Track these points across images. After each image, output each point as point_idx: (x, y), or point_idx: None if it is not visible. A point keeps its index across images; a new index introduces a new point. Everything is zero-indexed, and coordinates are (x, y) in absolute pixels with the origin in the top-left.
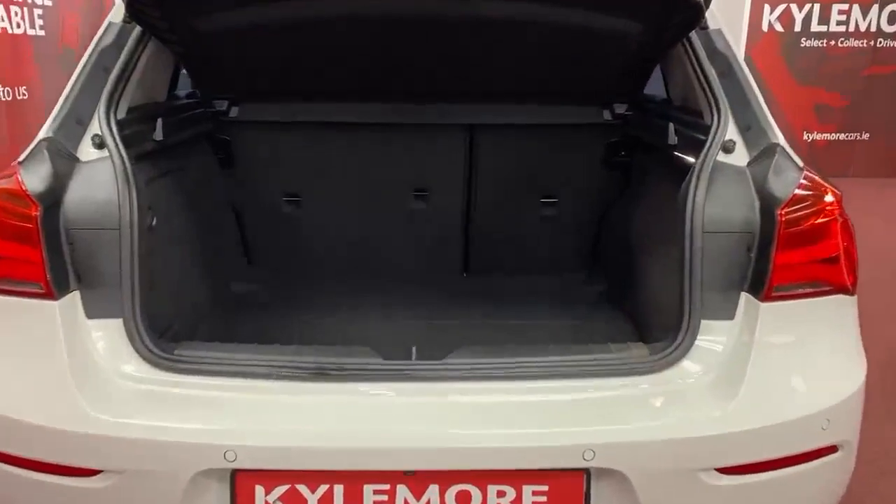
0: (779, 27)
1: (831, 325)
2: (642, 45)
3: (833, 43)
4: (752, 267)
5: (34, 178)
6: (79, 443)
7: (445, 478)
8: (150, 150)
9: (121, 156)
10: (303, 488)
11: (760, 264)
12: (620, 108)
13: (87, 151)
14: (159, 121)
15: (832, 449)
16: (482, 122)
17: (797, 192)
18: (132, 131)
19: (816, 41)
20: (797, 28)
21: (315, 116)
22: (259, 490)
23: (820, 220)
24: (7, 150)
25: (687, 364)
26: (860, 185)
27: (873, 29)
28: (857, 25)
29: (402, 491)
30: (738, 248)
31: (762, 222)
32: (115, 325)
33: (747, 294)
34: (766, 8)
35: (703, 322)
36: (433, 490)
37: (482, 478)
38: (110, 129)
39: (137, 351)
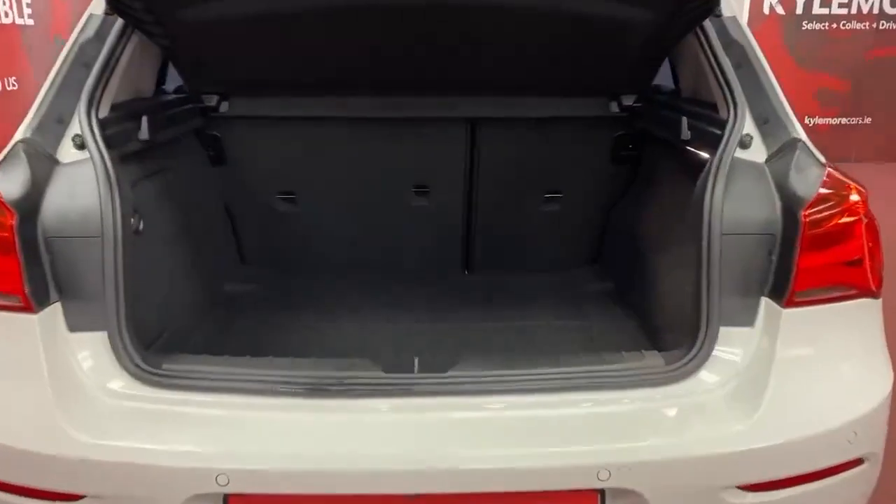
0: (780, 10)
1: (856, 330)
2: (654, 33)
3: (835, 26)
4: (772, 270)
5: (10, 184)
6: (59, 466)
7: (451, 501)
8: (136, 150)
9: (102, 157)
10: None
11: (782, 268)
12: (628, 100)
13: (67, 153)
14: (144, 119)
15: (858, 462)
16: (484, 116)
17: (821, 191)
18: (116, 130)
19: (818, 24)
20: (799, 11)
21: (309, 111)
22: None
23: (845, 221)
24: None
25: (705, 374)
26: (862, 169)
27: (875, 11)
28: (859, 8)
29: None
30: (759, 250)
31: (784, 223)
32: (99, 339)
33: (768, 299)
34: None
35: (722, 329)
36: None
37: (490, 501)
38: (91, 129)
39: (123, 366)
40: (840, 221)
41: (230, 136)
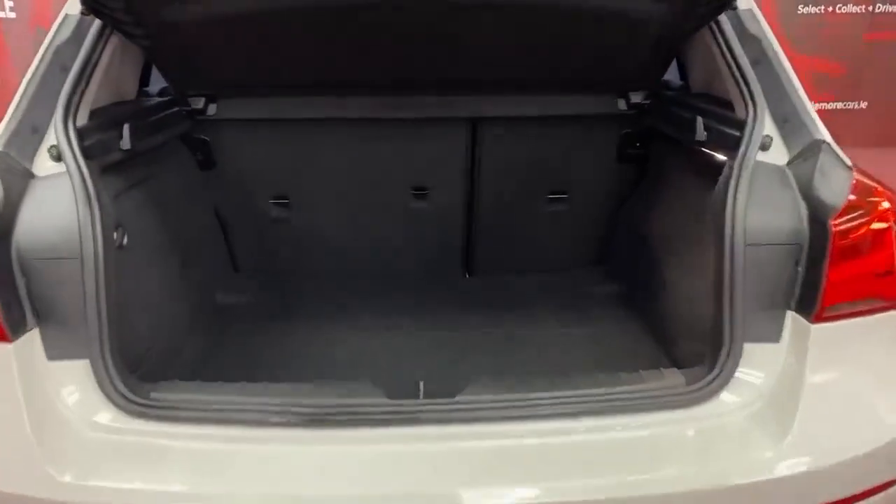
0: None
1: (886, 344)
2: (667, 26)
3: (831, 9)
4: (799, 283)
5: None
6: None
7: None
8: (118, 160)
9: (80, 171)
10: None
11: (810, 280)
12: (637, 97)
13: (43, 165)
14: (126, 127)
15: (893, 482)
16: (485, 115)
17: (851, 198)
18: (95, 140)
19: (814, 7)
20: None
21: (302, 112)
22: None
23: (876, 230)
24: None
25: (729, 395)
26: (858, 154)
27: None
28: None
29: None
30: (784, 261)
31: (811, 233)
32: (80, 368)
33: (795, 313)
34: None
35: (746, 346)
36: None
37: None
38: (68, 139)
39: (108, 396)
40: (871, 231)
41: (219, 139)
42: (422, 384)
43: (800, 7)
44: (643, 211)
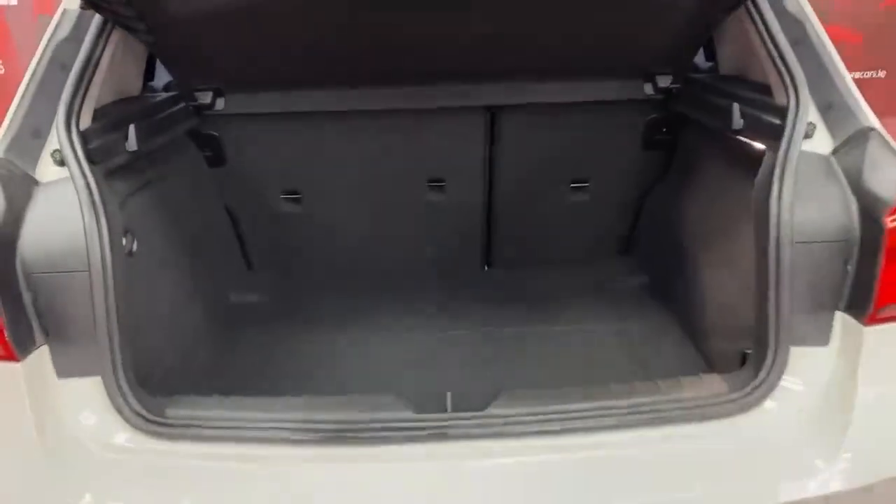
0: None
1: None
2: (699, 6)
3: None
4: (849, 283)
5: None
6: None
7: None
8: (124, 163)
9: (85, 177)
10: None
11: (861, 280)
12: (664, 81)
13: (46, 170)
14: (131, 127)
15: None
16: (504, 104)
17: None
18: (100, 142)
19: None
20: None
21: (312, 105)
22: None
23: None
24: None
25: (775, 404)
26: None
27: None
28: None
29: None
30: (833, 259)
31: (863, 229)
32: (92, 385)
33: (845, 315)
34: None
35: (792, 349)
36: None
37: None
38: (71, 143)
39: (121, 414)
40: None
41: (228, 134)
42: (449, 395)
43: None
44: (673, 200)
